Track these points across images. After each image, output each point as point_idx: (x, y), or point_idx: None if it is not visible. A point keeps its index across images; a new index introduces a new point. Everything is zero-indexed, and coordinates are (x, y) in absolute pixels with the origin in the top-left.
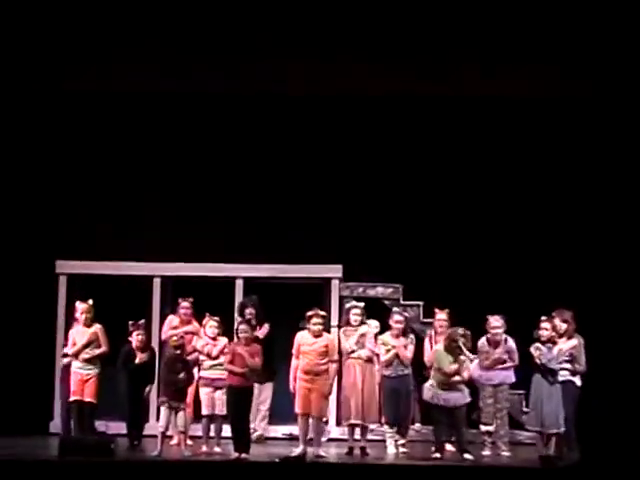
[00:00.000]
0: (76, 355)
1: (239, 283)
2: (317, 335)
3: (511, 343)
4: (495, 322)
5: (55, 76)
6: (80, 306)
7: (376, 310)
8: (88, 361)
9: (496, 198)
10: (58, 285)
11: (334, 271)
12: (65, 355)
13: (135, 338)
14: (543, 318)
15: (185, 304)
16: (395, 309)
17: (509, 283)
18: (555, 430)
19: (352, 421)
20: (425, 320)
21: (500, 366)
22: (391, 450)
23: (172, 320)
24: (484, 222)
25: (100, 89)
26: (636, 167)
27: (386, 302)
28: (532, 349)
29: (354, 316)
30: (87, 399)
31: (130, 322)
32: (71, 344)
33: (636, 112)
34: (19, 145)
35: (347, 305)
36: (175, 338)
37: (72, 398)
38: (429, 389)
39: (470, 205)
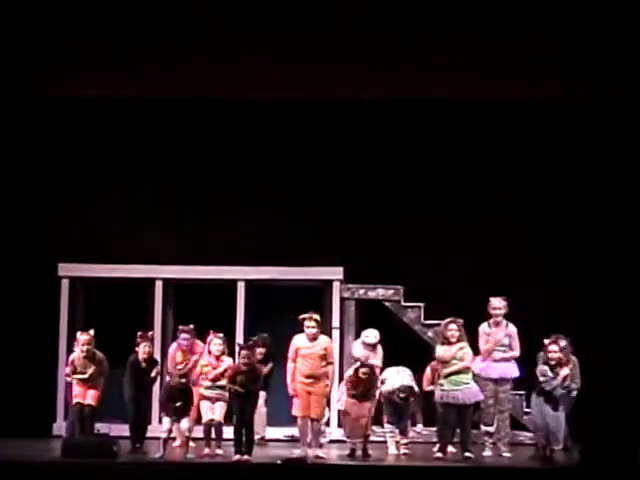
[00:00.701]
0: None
1: (240, 285)
2: (313, 338)
3: (512, 328)
4: (497, 303)
5: (56, 79)
6: (81, 337)
7: (377, 312)
8: None
9: (497, 201)
10: (60, 288)
11: (335, 273)
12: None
13: (142, 350)
14: (547, 341)
15: (184, 335)
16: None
17: (510, 286)
18: (557, 447)
19: (353, 439)
20: (426, 322)
21: (501, 355)
22: (392, 450)
23: (175, 355)
24: (485, 224)
25: (98, 95)
26: (631, 172)
27: (387, 304)
28: (538, 373)
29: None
30: (88, 402)
31: (139, 333)
32: (70, 370)
33: (633, 114)
34: (21, 149)
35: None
36: (180, 367)
37: (74, 401)
38: (439, 390)
39: (471, 208)
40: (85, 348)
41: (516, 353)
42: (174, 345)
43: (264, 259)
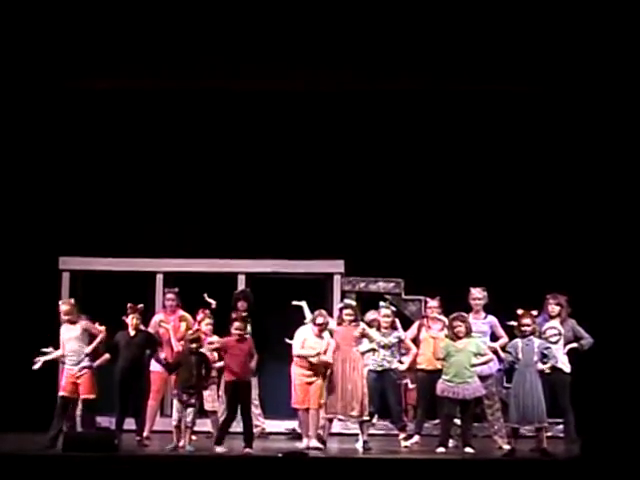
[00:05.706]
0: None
1: (241, 278)
2: (319, 336)
3: (491, 317)
4: (477, 293)
5: (57, 74)
6: (63, 307)
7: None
8: (79, 357)
9: (497, 192)
10: (61, 281)
11: (336, 266)
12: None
13: (131, 322)
14: (520, 312)
15: (170, 295)
16: (382, 303)
17: (512, 278)
18: (538, 425)
19: (339, 415)
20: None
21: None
22: (359, 445)
23: (158, 316)
24: (486, 216)
25: (100, 88)
26: (621, 154)
27: (387, 296)
28: (508, 349)
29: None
30: (84, 396)
31: (129, 304)
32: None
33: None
34: (23, 144)
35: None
36: (190, 332)
37: (61, 393)
38: (441, 383)
39: (471, 199)
40: (67, 318)
41: (489, 358)
42: (159, 315)
43: (265, 252)
